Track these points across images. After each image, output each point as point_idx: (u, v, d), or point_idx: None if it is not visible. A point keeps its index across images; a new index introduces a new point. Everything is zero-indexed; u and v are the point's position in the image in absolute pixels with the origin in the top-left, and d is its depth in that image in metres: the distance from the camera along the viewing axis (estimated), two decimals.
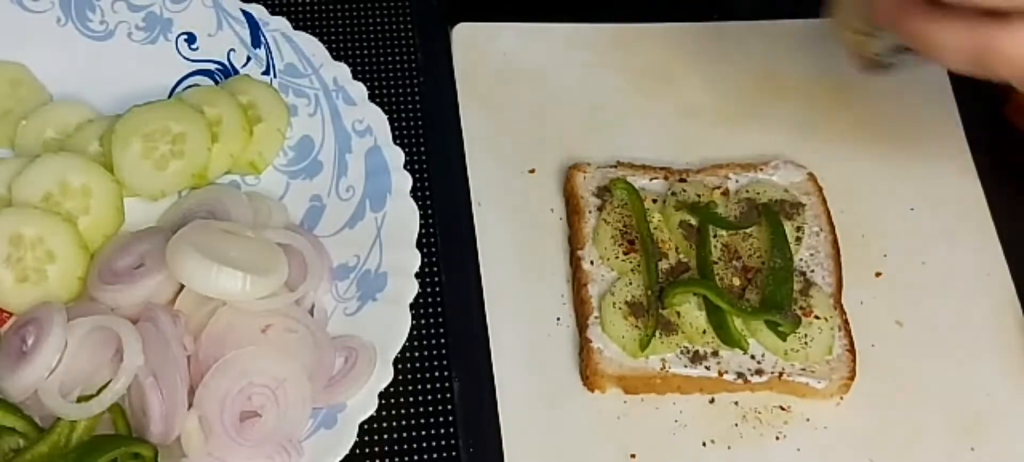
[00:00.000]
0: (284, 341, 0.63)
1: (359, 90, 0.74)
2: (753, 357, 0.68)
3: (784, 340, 0.68)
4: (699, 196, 0.73)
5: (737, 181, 0.74)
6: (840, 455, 0.67)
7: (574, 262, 0.71)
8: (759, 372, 0.67)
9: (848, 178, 0.76)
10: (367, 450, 0.65)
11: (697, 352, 0.68)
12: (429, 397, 0.67)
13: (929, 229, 0.76)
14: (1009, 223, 0.76)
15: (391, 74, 0.79)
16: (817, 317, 0.69)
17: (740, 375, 0.68)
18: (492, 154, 0.76)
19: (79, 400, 0.60)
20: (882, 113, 0.81)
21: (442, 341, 0.69)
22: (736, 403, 0.68)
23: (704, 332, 0.68)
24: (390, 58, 0.79)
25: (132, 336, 0.61)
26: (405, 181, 0.70)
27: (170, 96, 0.74)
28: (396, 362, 0.64)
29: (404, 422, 0.66)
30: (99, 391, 0.60)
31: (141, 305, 0.64)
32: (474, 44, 0.81)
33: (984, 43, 0.54)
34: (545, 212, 0.75)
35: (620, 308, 0.68)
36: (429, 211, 0.73)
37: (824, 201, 0.74)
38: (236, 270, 0.62)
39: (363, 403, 0.63)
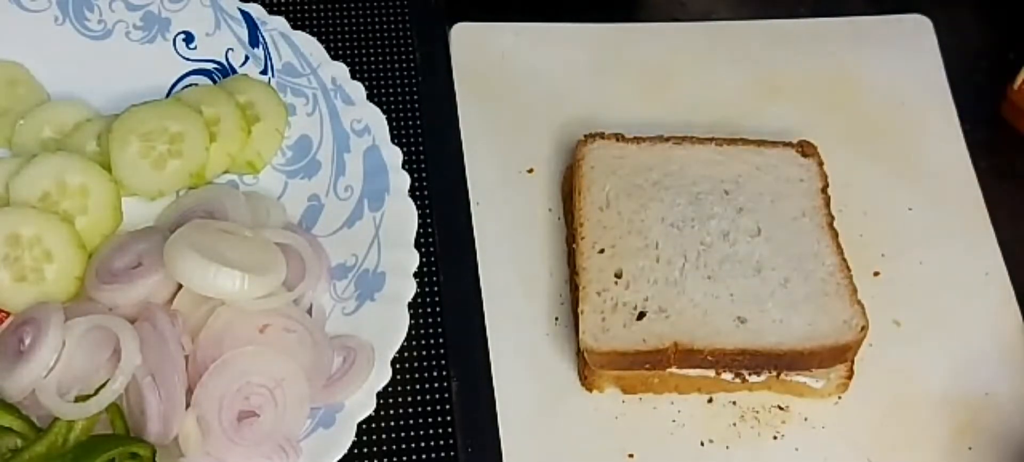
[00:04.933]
0: (282, 341, 0.63)
1: (357, 90, 0.73)
2: None
3: None
4: None
5: None
6: (838, 455, 0.67)
7: (572, 262, 0.71)
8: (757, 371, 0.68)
9: (846, 178, 0.76)
10: (365, 450, 0.65)
11: None
12: (428, 397, 0.67)
13: (927, 229, 0.76)
14: (1007, 223, 0.76)
15: (389, 74, 0.79)
16: None
17: (738, 374, 0.68)
18: (491, 154, 0.76)
19: (77, 400, 0.60)
20: (880, 113, 0.81)
21: (441, 341, 0.69)
22: (734, 403, 0.68)
23: None
24: (389, 58, 0.79)
25: (130, 336, 0.61)
26: (403, 181, 0.70)
27: (168, 95, 0.74)
28: (394, 362, 0.64)
29: (402, 422, 0.66)
30: (97, 391, 0.60)
31: (139, 305, 0.64)
32: (473, 44, 0.81)
33: None
34: (544, 212, 0.75)
35: None
36: (427, 210, 0.73)
37: None
38: (234, 270, 0.62)
39: (361, 403, 0.63)
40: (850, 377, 0.69)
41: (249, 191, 0.71)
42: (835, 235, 0.70)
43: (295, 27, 0.76)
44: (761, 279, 0.68)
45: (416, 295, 0.67)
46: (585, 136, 0.74)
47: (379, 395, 0.63)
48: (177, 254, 0.62)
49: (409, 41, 0.80)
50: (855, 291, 0.68)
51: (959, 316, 0.73)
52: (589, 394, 0.68)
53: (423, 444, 0.66)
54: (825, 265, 0.69)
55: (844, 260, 0.69)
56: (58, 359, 0.61)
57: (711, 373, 0.68)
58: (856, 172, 0.77)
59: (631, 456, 0.66)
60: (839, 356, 0.67)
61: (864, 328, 0.67)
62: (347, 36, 0.80)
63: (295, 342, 0.63)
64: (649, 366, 0.67)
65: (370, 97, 0.74)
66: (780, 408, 0.68)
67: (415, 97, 0.78)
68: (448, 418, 0.67)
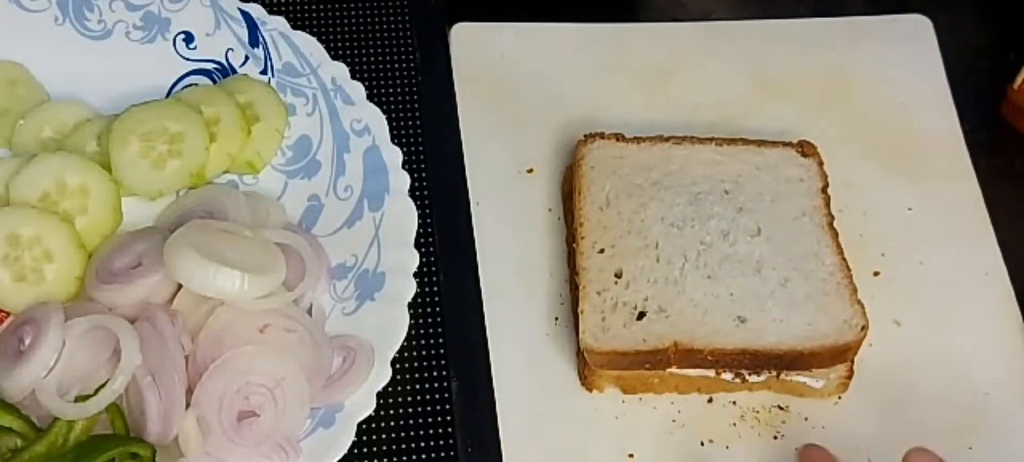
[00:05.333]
0: (282, 341, 0.63)
1: (357, 89, 0.73)
2: None
3: None
4: None
5: None
6: (838, 455, 0.67)
7: (572, 262, 0.71)
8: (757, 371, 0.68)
9: (846, 178, 0.76)
10: (365, 450, 0.65)
11: None
12: (427, 396, 0.67)
13: (927, 229, 0.76)
14: (1007, 222, 0.76)
15: (389, 74, 0.79)
16: None
17: (738, 374, 0.68)
18: (490, 154, 0.76)
19: (77, 400, 0.60)
20: (880, 113, 0.81)
21: (440, 341, 0.69)
22: (734, 402, 0.68)
23: None
24: (388, 58, 0.79)
25: (130, 336, 0.61)
26: (403, 180, 0.70)
27: (168, 95, 0.74)
28: (394, 362, 0.64)
29: (402, 422, 0.66)
30: (97, 391, 0.60)
31: (139, 305, 0.64)
32: (473, 44, 0.81)
33: None
34: (543, 212, 0.75)
35: None
36: (427, 210, 0.73)
37: None
38: (234, 270, 0.62)
39: (361, 403, 0.63)
40: (850, 377, 0.69)
41: (249, 191, 0.71)
42: (835, 235, 0.70)
43: (295, 27, 0.76)
44: (761, 279, 0.68)
45: (416, 295, 0.67)
46: (585, 136, 0.74)
47: (379, 395, 0.63)
48: (177, 254, 0.62)
49: (409, 41, 0.80)
50: (855, 291, 0.68)
51: (959, 316, 0.73)
52: (589, 394, 0.68)
53: (423, 444, 0.66)
54: (825, 265, 0.69)
55: (844, 260, 0.69)
56: (58, 359, 0.61)
57: (711, 373, 0.68)
58: (856, 172, 0.77)
59: (631, 456, 0.66)
60: (839, 356, 0.67)
61: (864, 328, 0.67)
62: (347, 36, 0.80)
63: (295, 342, 0.63)
64: (649, 366, 0.67)
65: (370, 97, 0.74)
66: (780, 408, 0.68)
67: (415, 97, 0.78)
68: (448, 418, 0.67)
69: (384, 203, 0.69)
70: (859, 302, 0.67)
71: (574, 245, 0.70)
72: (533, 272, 0.72)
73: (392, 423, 0.66)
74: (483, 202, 0.74)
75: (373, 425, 0.65)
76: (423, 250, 0.70)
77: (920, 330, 0.72)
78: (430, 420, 0.66)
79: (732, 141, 0.74)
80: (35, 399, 0.60)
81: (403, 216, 0.69)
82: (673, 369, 0.67)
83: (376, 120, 0.72)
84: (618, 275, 0.68)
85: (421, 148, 0.76)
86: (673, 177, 0.72)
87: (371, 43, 0.80)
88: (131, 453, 0.59)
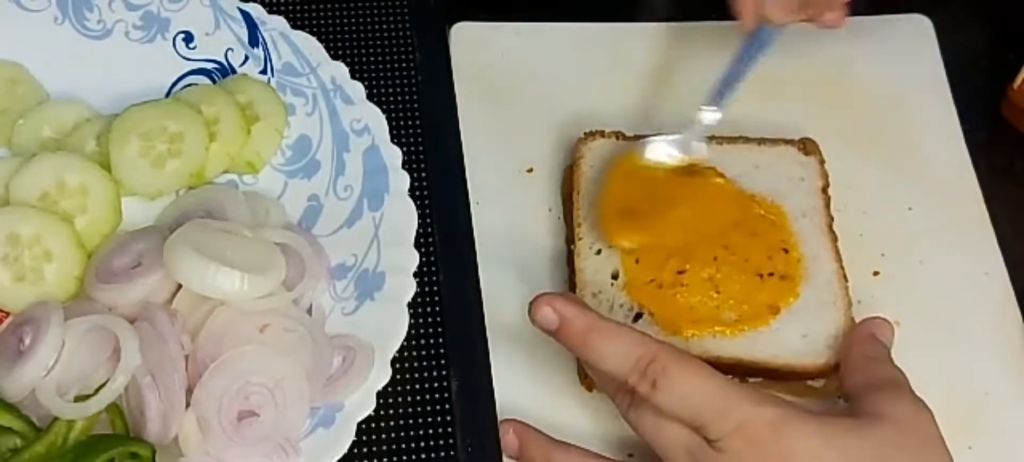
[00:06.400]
0: (282, 340, 0.63)
1: (357, 89, 0.73)
2: None
3: None
4: None
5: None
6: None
7: (571, 263, 0.71)
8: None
9: (846, 177, 0.76)
10: (365, 449, 0.65)
11: None
12: (427, 396, 0.67)
13: (927, 228, 0.76)
14: (1007, 222, 0.76)
15: (389, 73, 0.79)
16: None
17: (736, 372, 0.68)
18: (490, 153, 0.76)
19: (76, 400, 0.60)
20: (880, 112, 0.81)
21: (440, 340, 0.69)
22: None
23: None
24: (388, 57, 0.79)
25: (129, 335, 0.61)
26: (403, 180, 0.70)
27: (168, 95, 0.74)
28: (394, 361, 0.64)
29: (402, 421, 0.66)
30: (96, 391, 0.60)
31: (138, 304, 0.63)
32: (473, 43, 0.81)
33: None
34: (544, 212, 0.75)
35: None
36: (427, 210, 0.73)
37: None
38: (233, 269, 0.62)
39: (361, 402, 0.63)
40: None
41: (249, 191, 0.71)
42: (834, 239, 0.70)
43: (295, 27, 0.76)
44: (759, 283, 0.68)
45: (416, 295, 0.67)
46: (584, 134, 0.74)
47: (379, 395, 0.63)
48: (177, 254, 0.62)
49: (409, 41, 0.80)
50: (850, 306, 0.68)
51: (959, 316, 0.73)
52: (589, 394, 0.68)
53: (423, 444, 0.66)
54: (823, 272, 0.69)
55: (842, 267, 0.69)
56: (58, 359, 0.61)
57: None
58: (856, 172, 0.77)
59: (630, 456, 0.66)
60: (831, 371, 0.67)
61: None
62: (347, 36, 0.80)
63: (295, 342, 0.63)
64: None
65: (370, 97, 0.74)
66: None
67: (415, 97, 0.78)
68: (448, 418, 0.67)
69: (384, 203, 0.69)
70: (853, 319, 0.67)
71: (572, 246, 0.70)
72: (533, 272, 0.72)
73: (392, 423, 0.66)
74: (483, 202, 0.74)
75: (373, 425, 0.65)
76: (423, 250, 0.70)
77: (920, 330, 0.72)
78: (430, 420, 0.66)
79: (732, 139, 0.74)
80: (35, 399, 0.60)
81: (403, 216, 0.69)
82: None
83: (376, 120, 0.72)
84: (614, 276, 0.68)
85: (421, 148, 0.76)
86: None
87: (371, 43, 0.80)
88: (131, 453, 0.59)
